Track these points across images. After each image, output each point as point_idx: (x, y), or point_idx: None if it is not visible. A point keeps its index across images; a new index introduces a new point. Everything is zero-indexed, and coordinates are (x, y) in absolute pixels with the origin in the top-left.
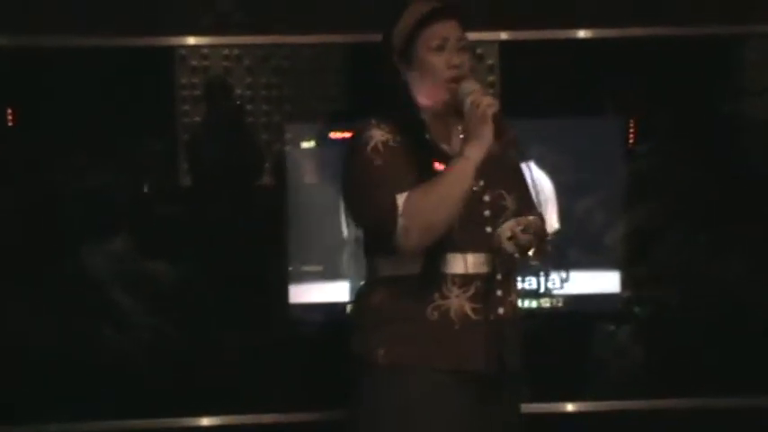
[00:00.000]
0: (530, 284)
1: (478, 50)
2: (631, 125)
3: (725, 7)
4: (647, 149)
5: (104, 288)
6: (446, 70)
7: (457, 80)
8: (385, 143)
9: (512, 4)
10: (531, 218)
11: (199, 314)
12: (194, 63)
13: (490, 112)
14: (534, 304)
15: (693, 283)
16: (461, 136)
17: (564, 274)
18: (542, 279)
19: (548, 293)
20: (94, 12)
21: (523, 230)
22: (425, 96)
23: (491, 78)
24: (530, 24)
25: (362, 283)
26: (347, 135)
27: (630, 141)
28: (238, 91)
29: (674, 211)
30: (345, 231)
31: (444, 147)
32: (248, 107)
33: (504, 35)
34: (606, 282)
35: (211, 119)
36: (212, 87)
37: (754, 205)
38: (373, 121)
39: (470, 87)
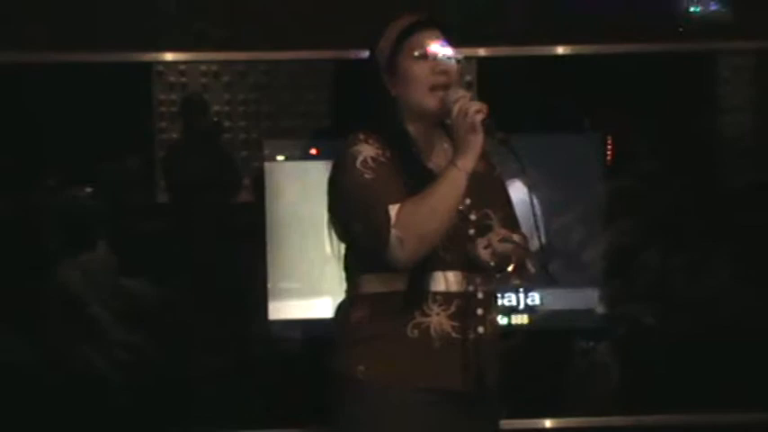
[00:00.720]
0: (509, 301)
1: None
2: (609, 142)
3: (700, 24)
4: (625, 166)
5: (81, 305)
6: (431, 77)
7: (443, 87)
8: (375, 158)
9: (490, 20)
10: (514, 236)
11: (177, 331)
12: (172, 79)
13: (479, 119)
14: (512, 320)
15: (671, 299)
16: (445, 145)
17: (542, 291)
18: (521, 296)
19: (525, 310)
20: (71, 27)
21: (501, 241)
22: (413, 107)
23: (469, 94)
24: (508, 40)
25: (343, 299)
26: (326, 150)
27: (608, 158)
28: (216, 107)
29: (651, 228)
30: (328, 248)
31: (432, 166)
32: (226, 123)
33: (482, 51)
34: (584, 298)
35: (189, 135)
36: (190, 103)
37: (731, 221)
38: (361, 136)
39: (457, 94)
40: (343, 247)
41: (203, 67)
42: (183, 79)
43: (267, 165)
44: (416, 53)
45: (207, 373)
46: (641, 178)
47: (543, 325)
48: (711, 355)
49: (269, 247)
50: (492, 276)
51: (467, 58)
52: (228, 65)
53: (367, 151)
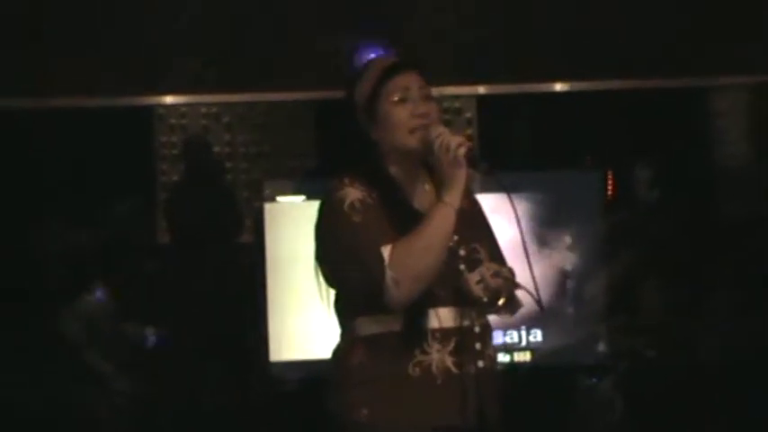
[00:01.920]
0: (511, 338)
1: (456, 104)
2: (610, 177)
3: (696, 59)
4: (626, 201)
5: (81, 348)
6: (411, 120)
7: (424, 128)
8: (362, 200)
9: (488, 58)
10: (503, 270)
11: (178, 373)
12: (172, 121)
13: (461, 152)
14: (513, 358)
15: (673, 333)
16: (426, 186)
17: (541, 329)
18: (522, 332)
19: (526, 347)
20: (72, 73)
21: (493, 275)
22: (394, 150)
23: (469, 131)
24: (507, 78)
25: (338, 342)
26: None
27: (609, 193)
28: (217, 148)
29: (653, 262)
30: (318, 292)
31: (416, 206)
32: (227, 164)
33: (481, 89)
34: (583, 334)
35: (190, 176)
36: (191, 145)
37: (732, 255)
38: (346, 180)
39: (437, 131)
40: (332, 291)
41: (204, 109)
42: (184, 121)
43: (267, 205)
44: (396, 98)
45: (208, 414)
46: (642, 212)
47: (545, 362)
48: (716, 389)
49: (269, 287)
50: (484, 310)
51: (466, 97)
52: (229, 106)
53: (353, 194)
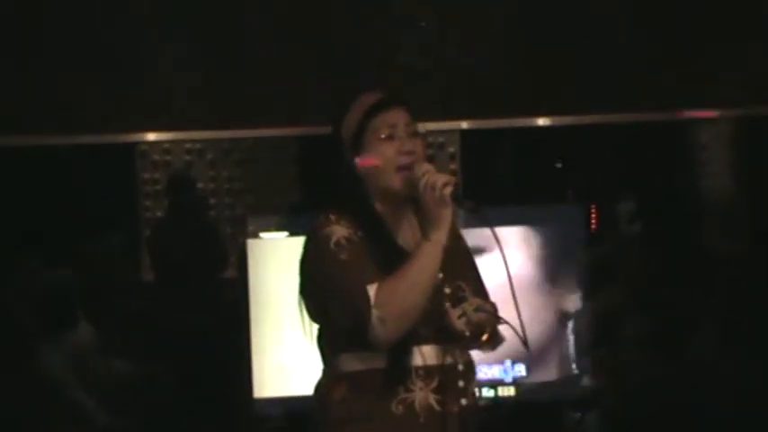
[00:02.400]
0: (492, 374)
1: (440, 139)
2: (593, 210)
3: (678, 92)
4: (609, 234)
5: (65, 384)
6: (398, 157)
7: (410, 167)
8: (348, 238)
9: (470, 93)
10: (486, 305)
11: (162, 409)
12: (156, 158)
13: (447, 192)
14: (496, 393)
15: (656, 367)
16: (412, 222)
17: (524, 363)
18: (504, 367)
19: (510, 382)
20: (56, 110)
21: (475, 310)
22: (379, 187)
23: (453, 166)
24: (490, 113)
25: (320, 378)
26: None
27: (592, 226)
28: (201, 184)
29: (636, 295)
30: (301, 328)
31: (401, 243)
32: (211, 200)
33: (464, 124)
34: (567, 368)
35: (174, 213)
36: (174, 181)
37: (716, 286)
38: (332, 217)
39: (422, 169)
40: (315, 326)
41: (187, 145)
42: (168, 157)
43: (249, 241)
44: (383, 135)
45: None
46: (625, 246)
47: (530, 396)
48: (698, 424)
49: (253, 323)
50: (467, 347)
51: (449, 131)
52: (212, 142)
53: (340, 232)
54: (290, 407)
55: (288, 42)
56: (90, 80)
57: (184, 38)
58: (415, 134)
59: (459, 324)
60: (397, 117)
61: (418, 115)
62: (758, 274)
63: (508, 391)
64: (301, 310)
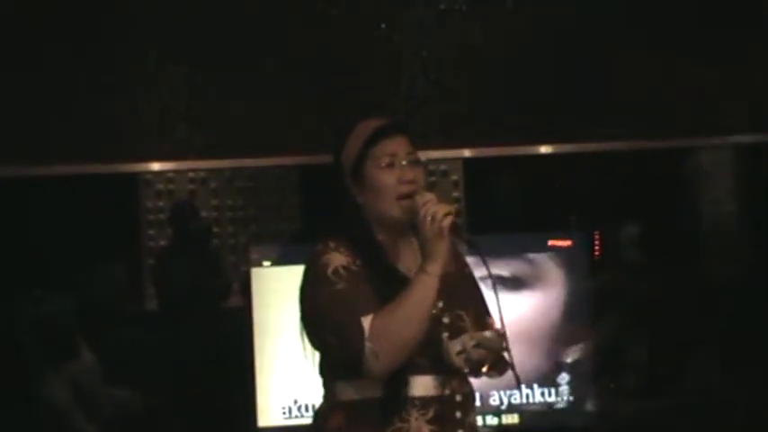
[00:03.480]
0: (493, 400)
1: (442, 167)
2: (596, 238)
3: (678, 121)
4: (613, 262)
5: (67, 413)
6: (398, 186)
7: (410, 196)
8: (346, 266)
9: (472, 121)
10: (486, 334)
11: None
12: (159, 187)
13: (447, 224)
14: (500, 421)
15: (660, 393)
16: (413, 249)
17: (527, 390)
18: (504, 394)
19: (511, 409)
20: (58, 140)
21: (476, 346)
22: (379, 215)
23: (456, 194)
24: (493, 140)
25: (320, 405)
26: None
27: (596, 254)
28: (204, 213)
29: (639, 322)
30: (303, 355)
31: (402, 269)
32: (215, 229)
33: (467, 152)
34: (570, 395)
35: (178, 242)
36: (178, 210)
37: (719, 314)
38: (331, 245)
39: (424, 198)
40: (317, 354)
41: (191, 175)
42: (171, 186)
43: (253, 270)
44: (383, 164)
45: None
46: (629, 273)
47: (534, 424)
48: None
49: (257, 352)
50: (467, 378)
51: (452, 159)
52: (216, 172)
53: (338, 260)
54: None
55: (290, 71)
56: (92, 109)
57: (187, 66)
58: (416, 162)
59: (459, 360)
60: (398, 145)
61: (420, 143)
62: (760, 302)
63: (512, 419)
64: (303, 337)
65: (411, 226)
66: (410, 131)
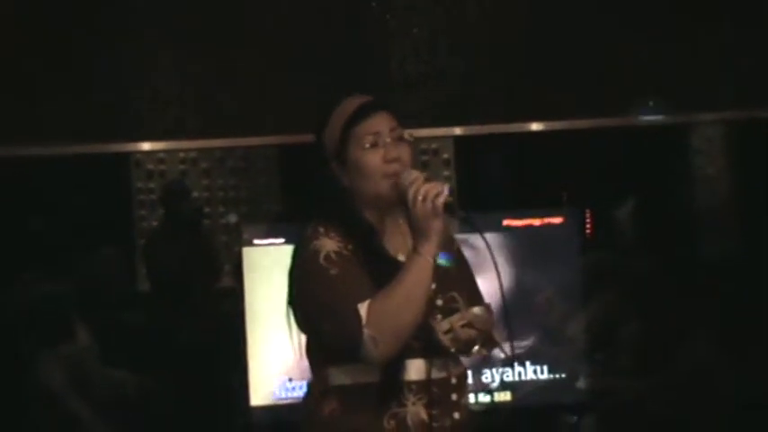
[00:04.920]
0: (487, 378)
1: (434, 145)
2: (588, 216)
3: (669, 98)
4: (604, 239)
5: (63, 395)
6: (384, 166)
7: (397, 174)
8: (338, 252)
9: (464, 99)
10: (475, 310)
11: (158, 419)
12: (150, 167)
13: (440, 202)
14: (492, 398)
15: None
16: (403, 229)
17: (519, 368)
18: (496, 372)
19: (505, 387)
20: (48, 120)
21: (464, 326)
22: (366, 196)
23: (446, 173)
24: (484, 118)
25: (309, 390)
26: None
27: (587, 232)
28: (195, 193)
29: (631, 300)
30: (289, 339)
31: (392, 251)
32: (206, 209)
33: (457, 130)
34: (565, 373)
35: (169, 222)
36: (169, 191)
37: (712, 291)
38: (321, 230)
39: (411, 176)
40: (303, 337)
41: (182, 155)
42: (162, 167)
43: (245, 249)
44: (367, 144)
45: None
46: (621, 251)
47: (526, 401)
48: (701, 427)
49: (249, 331)
50: (460, 359)
51: (443, 138)
52: (207, 152)
53: (329, 246)
54: (286, 415)
55: (282, 51)
56: (84, 89)
57: (178, 46)
58: (401, 139)
59: (446, 340)
60: (381, 123)
61: (411, 122)
62: (755, 280)
63: (504, 397)
64: (289, 321)
65: (400, 203)
66: (392, 107)
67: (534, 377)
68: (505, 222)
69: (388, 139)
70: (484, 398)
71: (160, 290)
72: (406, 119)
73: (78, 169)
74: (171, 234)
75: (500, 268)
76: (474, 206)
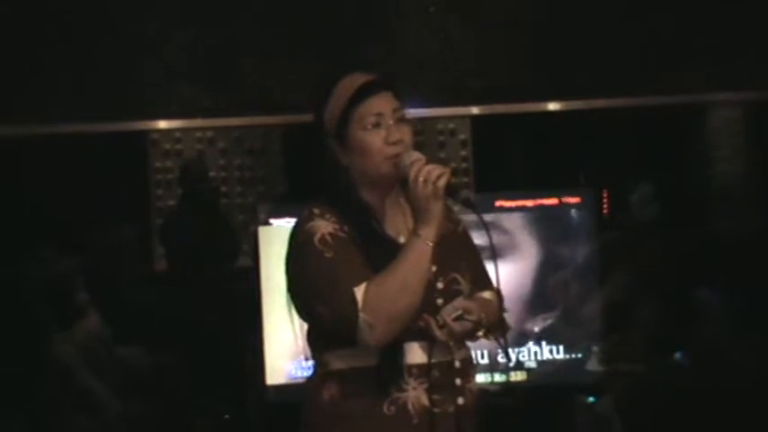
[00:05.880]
0: (501, 357)
1: (450, 125)
2: (605, 196)
3: (686, 78)
4: (621, 219)
5: (75, 373)
6: (386, 148)
7: (397, 156)
8: (333, 233)
9: (481, 79)
10: (483, 296)
11: (174, 397)
12: (167, 147)
13: (441, 184)
14: (508, 378)
15: (670, 352)
16: (402, 209)
17: (535, 348)
18: (512, 352)
19: (518, 367)
20: (66, 99)
21: (457, 318)
22: (366, 174)
23: (464, 153)
24: (501, 98)
25: (311, 375)
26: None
27: (604, 212)
28: (212, 173)
29: (647, 281)
30: (289, 325)
31: (392, 233)
32: (222, 188)
33: (475, 110)
34: (579, 354)
35: (186, 202)
36: (186, 170)
37: (727, 272)
38: (316, 211)
39: (410, 158)
40: (305, 323)
41: (198, 134)
42: (179, 146)
43: (260, 229)
44: (369, 125)
45: None
46: (637, 231)
47: (542, 381)
48: (713, 410)
49: (264, 310)
50: (465, 342)
51: (460, 117)
52: (224, 131)
53: (324, 227)
54: (302, 393)
55: (298, 30)
56: (101, 68)
57: (196, 25)
58: (403, 120)
59: (441, 334)
60: (383, 103)
61: (429, 102)
62: None
63: (520, 377)
64: (289, 307)
65: (401, 183)
66: (395, 87)
67: (550, 357)
68: (521, 202)
69: (391, 121)
70: (500, 378)
71: (177, 268)
72: (422, 99)
73: (95, 148)
74: (188, 213)
75: (516, 248)
76: (491, 186)
